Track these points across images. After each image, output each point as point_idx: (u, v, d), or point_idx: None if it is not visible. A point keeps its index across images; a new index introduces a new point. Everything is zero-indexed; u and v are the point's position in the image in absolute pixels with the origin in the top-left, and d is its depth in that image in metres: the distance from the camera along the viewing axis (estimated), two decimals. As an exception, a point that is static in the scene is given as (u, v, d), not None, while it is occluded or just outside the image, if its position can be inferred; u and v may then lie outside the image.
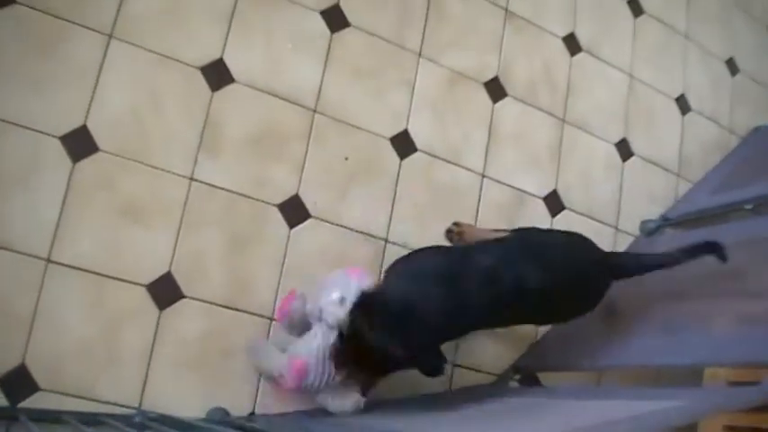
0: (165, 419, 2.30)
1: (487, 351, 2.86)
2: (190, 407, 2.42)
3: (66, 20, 2.44)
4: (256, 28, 2.73)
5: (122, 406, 2.35)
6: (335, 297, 2.28)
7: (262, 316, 2.56)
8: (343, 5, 2.90)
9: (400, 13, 3.02)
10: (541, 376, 2.94)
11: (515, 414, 2.22)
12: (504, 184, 3.10)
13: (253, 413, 2.49)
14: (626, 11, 3.68)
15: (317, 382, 2.27)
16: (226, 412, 2.43)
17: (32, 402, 2.23)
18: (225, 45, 2.65)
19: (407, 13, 3.04)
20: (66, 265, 2.33)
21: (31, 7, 2.41)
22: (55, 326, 2.29)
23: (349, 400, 2.33)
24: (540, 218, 3.18)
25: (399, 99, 2.94)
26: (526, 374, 2.94)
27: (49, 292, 2.30)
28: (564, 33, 3.44)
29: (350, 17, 2.91)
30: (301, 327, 2.37)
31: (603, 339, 2.70)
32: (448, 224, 2.86)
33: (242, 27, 2.70)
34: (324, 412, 2.39)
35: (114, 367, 2.35)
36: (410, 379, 2.47)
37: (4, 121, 2.31)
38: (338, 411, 2.33)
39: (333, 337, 2.27)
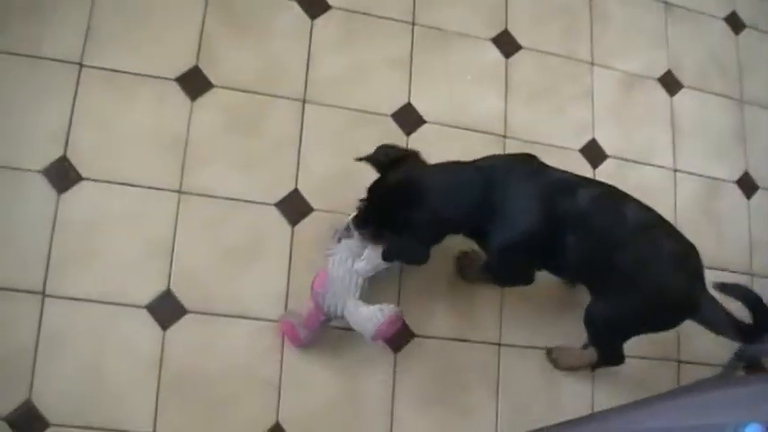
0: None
1: (709, 343, 2.73)
2: None
3: (261, 93, 2.49)
4: (435, 67, 2.74)
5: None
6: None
7: (491, 343, 2.53)
8: (511, 30, 2.88)
9: (565, 26, 2.98)
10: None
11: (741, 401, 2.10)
12: (695, 174, 2.99)
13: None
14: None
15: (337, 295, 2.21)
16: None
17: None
18: (409, 90, 2.65)
19: (572, 25, 3.00)
20: (300, 324, 2.33)
21: (229, 88, 2.46)
22: (302, 386, 2.34)
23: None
24: (736, 202, 3.02)
25: (581, 110, 2.89)
26: (751, 363, 2.79)
27: (289, 356, 2.34)
28: (725, 14, 3.30)
29: (520, 40, 2.89)
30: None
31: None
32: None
33: (422, 69, 2.72)
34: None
35: (361, 415, 2.38)
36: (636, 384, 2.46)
37: (228, 198, 2.40)
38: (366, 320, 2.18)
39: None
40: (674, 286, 2.17)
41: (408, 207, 2.11)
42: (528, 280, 2.39)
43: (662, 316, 2.27)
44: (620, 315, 2.28)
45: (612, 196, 2.22)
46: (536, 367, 2.56)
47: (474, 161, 2.22)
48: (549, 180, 2.18)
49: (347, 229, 2.29)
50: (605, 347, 2.45)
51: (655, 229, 2.20)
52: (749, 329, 2.21)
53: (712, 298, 2.22)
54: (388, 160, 2.17)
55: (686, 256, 2.20)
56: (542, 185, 2.16)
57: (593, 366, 2.57)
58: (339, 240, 2.32)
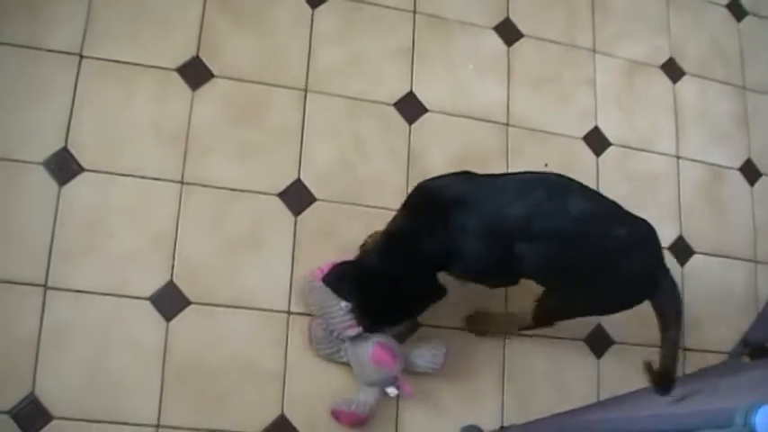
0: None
1: (715, 331, 2.70)
2: (443, 429, 2.35)
3: (262, 83, 2.46)
4: (437, 56, 2.70)
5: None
6: (342, 308, 2.18)
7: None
8: (512, 18, 2.83)
9: (567, 14, 2.94)
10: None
11: (752, 388, 2.06)
12: (698, 161, 2.94)
13: (503, 427, 2.40)
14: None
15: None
16: (479, 429, 2.35)
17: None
18: (411, 79, 2.61)
19: (574, 13, 2.95)
20: (305, 314, 2.34)
21: (230, 78, 2.43)
22: (308, 377, 2.31)
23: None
24: (739, 189, 2.98)
25: (584, 98, 2.85)
26: (756, 348, 2.74)
27: (293, 347, 2.31)
28: (726, 1, 3.25)
29: (521, 28, 2.84)
30: (330, 342, 2.27)
31: None
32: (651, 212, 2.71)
33: (423, 58, 2.67)
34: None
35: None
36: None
37: (230, 189, 2.36)
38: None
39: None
40: (631, 273, 2.08)
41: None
42: (510, 282, 2.29)
43: (620, 300, 2.20)
44: (578, 304, 2.23)
45: (552, 193, 2.07)
46: (542, 354, 2.51)
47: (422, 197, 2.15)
48: (486, 201, 2.06)
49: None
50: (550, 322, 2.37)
51: (602, 218, 2.08)
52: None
53: (672, 284, 2.14)
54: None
55: (641, 241, 2.10)
56: (480, 212, 2.04)
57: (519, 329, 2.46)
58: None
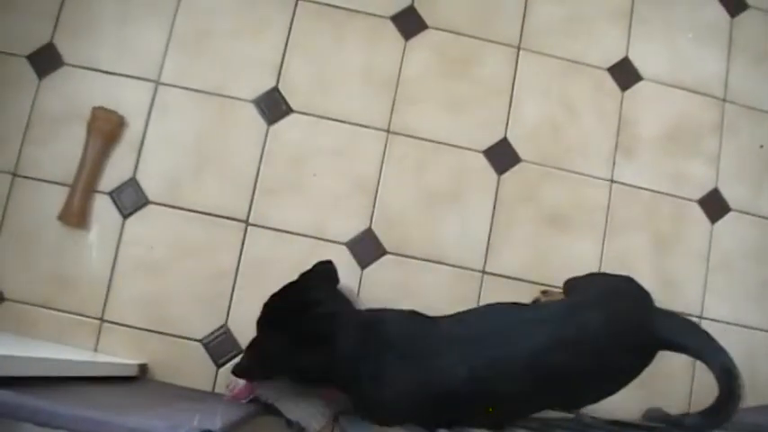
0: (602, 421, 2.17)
1: None
2: (626, 408, 2.25)
3: (475, 37, 2.39)
4: (655, 21, 2.55)
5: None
6: None
7: (691, 315, 2.33)
8: (738, -14, 2.64)
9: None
10: None
11: None
12: None
13: (689, 413, 2.28)
14: None
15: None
16: (665, 412, 2.24)
17: None
18: (628, 43, 2.48)
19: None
20: (498, 275, 2.28)
21: (443, 30, 2.39)
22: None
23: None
24: None
25: (811, 80, 2.62)
26: None
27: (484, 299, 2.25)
28: None
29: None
30: None
31: None
32: None
33: (641, 23, 2.53)
34: None
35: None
36: None
37: (435, 141, 2.32)
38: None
39: None
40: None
41: None
42: None
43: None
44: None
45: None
46: (738, 343, 2.35)
47: None
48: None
49: None
50: None
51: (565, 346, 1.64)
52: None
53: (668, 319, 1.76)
54: None
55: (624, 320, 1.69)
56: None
57: None
58: None
